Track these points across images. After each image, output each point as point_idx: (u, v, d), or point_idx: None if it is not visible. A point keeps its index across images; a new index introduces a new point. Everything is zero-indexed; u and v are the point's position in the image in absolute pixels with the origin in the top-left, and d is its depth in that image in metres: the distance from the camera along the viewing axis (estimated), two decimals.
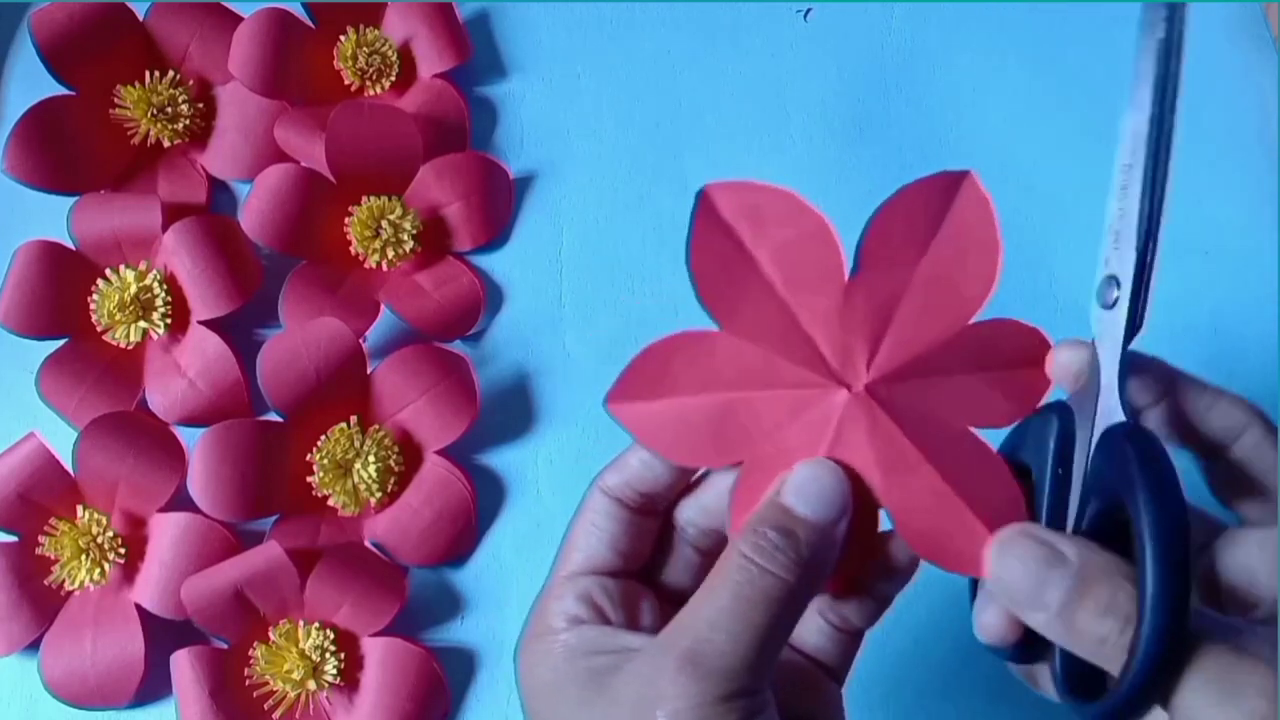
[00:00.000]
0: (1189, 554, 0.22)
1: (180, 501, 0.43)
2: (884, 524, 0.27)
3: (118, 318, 0.45)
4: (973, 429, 0.27)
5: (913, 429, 0.27)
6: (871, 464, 0.26)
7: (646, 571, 0.30)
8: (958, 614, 0.45)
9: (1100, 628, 0.23)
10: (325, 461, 0.43)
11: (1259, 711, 0.22)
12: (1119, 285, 0.26)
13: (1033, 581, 0.24)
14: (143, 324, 0.45)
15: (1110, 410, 0.25)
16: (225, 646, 0.42)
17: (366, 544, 0.44)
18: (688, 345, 0.28)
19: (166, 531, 0.43)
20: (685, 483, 0.29)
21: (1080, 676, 0.25)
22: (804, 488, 0.26)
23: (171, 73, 0.49)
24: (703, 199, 0.27)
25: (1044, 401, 0.27)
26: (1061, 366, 0.27)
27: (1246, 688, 0.22)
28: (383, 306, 0.46)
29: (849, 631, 0.29)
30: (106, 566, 0.42)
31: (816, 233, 0.27)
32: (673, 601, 0.28)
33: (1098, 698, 0.24)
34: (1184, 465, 0.24)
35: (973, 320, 0.27)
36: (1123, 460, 0.24)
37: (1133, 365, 0.26)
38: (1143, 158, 0.28)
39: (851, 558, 0.27)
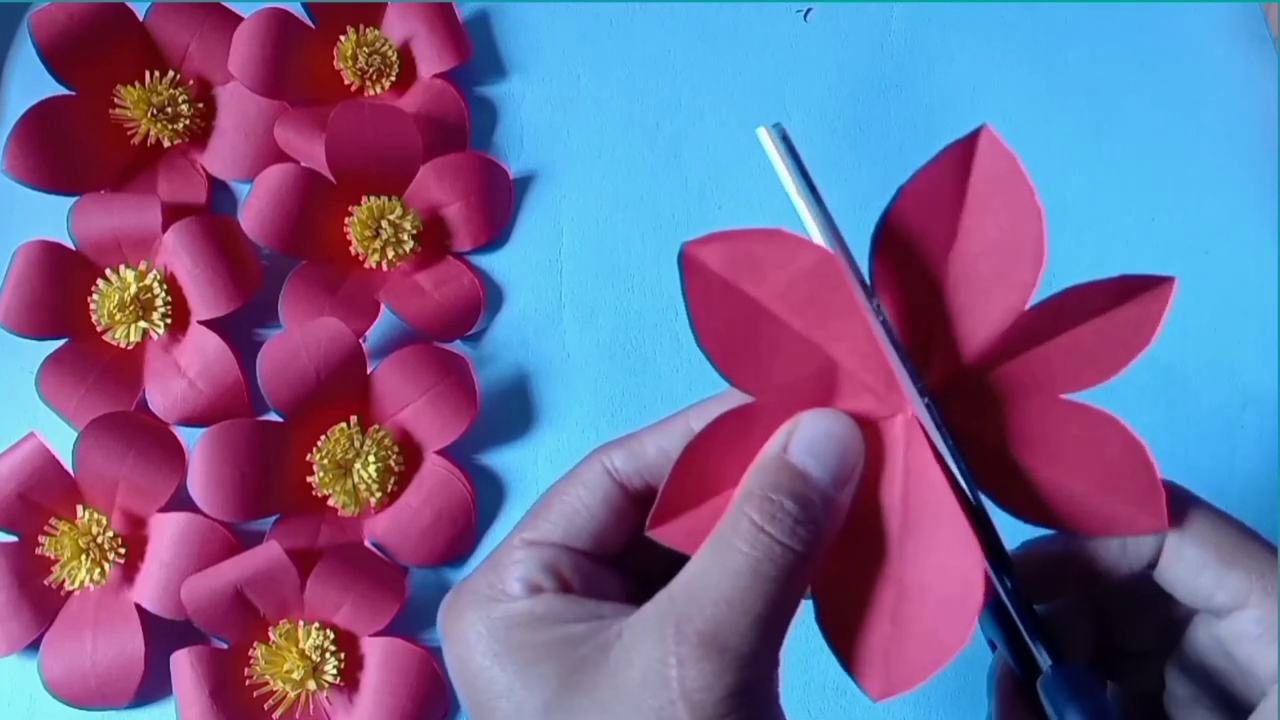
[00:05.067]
0: None
1: (180, 501, 0.43)
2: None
3: (118, 318, 0.45)
4: (1071, 396, 0.25)
5: (994, 428, 0.25)
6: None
7: (619, 557, 0.27)
8: None
9: None
10: (325, 461, 0.43)
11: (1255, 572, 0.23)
12: None
13: None
14: (143, 324, 0.45)
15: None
16: (225, 646, 0.42)
17: (366, 544, 0.44)
18: (723, 430, 0.24)
19: (166, 531, 0.43)
20: None
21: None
22: (818, 446, 0.23)
23: (171, 73, 0.49)
24: (687, 260, 0.24)
25: (1157, 336, 0.24)
26: None
27: (1239, 553, 0.24)
28: (383, 306, 0.46)
29: None
30: (106, 566, 0.42)
31: (821, 261, 0.24)
32: (645, 585, 0.25)
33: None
34: None
35: (1030, 302, 0.24)
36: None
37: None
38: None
39: None
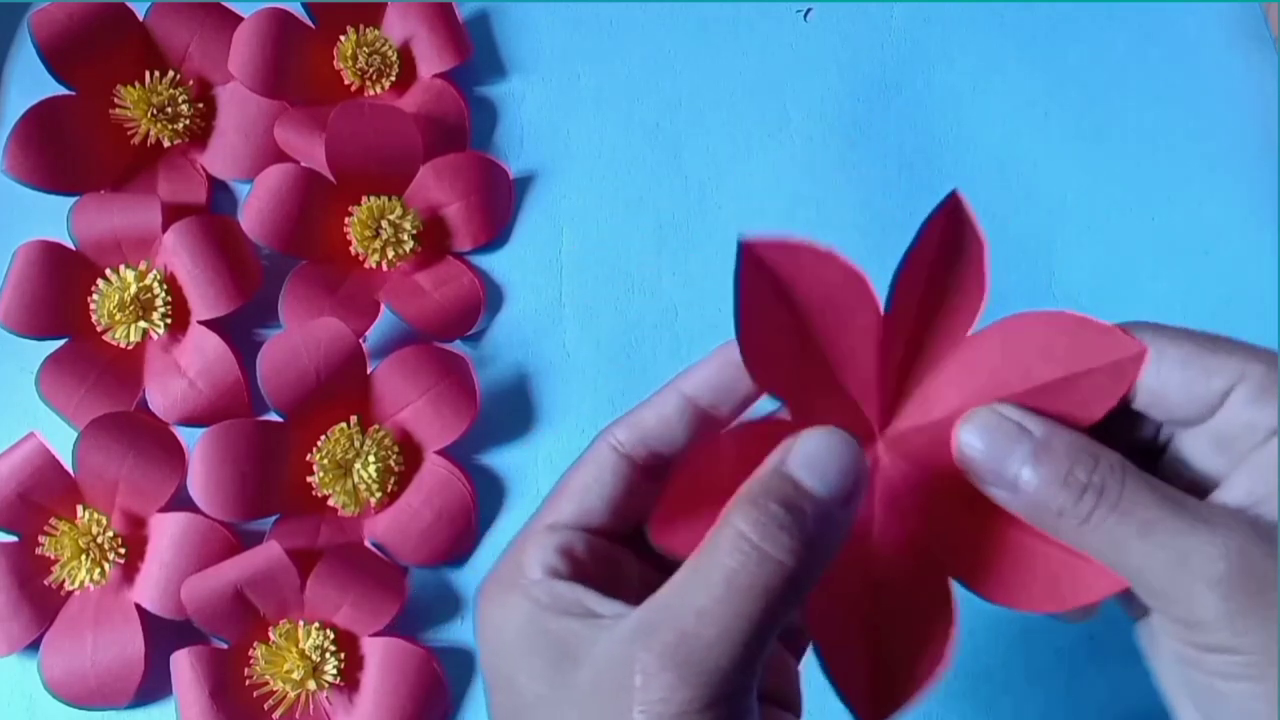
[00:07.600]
0: None
1: (180, 501, 0.43)
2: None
3: (118, 318, 0.45)
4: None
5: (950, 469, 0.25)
6: (922, 509, 0.25)
7: (637, 537, 0.26)
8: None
9: (1056, 498, 0.23)
10: (325, 461, 0.43)
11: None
12: None
13: (998, 453, 0.24)
14: (143, 324, 0.45)
15: None
16: (225, 646, 0.42)
17: (366, 544, 0.44)
18: (729, 441, 0.24)
19: (166, 531, 0.43)
20: None
21: None
22: (815, 458, 0.23)
23: (171, 73, 0.49)
24: (747, 253, 0.24)
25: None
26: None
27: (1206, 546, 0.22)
28: (383, 306, 0.46)
29: None
30: (106, 566, 0.42)
31: (851, 278, 0.25)
32: (663, 569, 0.25)
33: None
34: None
35: (972, 329, 0.25)
36: None
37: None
38: None
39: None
